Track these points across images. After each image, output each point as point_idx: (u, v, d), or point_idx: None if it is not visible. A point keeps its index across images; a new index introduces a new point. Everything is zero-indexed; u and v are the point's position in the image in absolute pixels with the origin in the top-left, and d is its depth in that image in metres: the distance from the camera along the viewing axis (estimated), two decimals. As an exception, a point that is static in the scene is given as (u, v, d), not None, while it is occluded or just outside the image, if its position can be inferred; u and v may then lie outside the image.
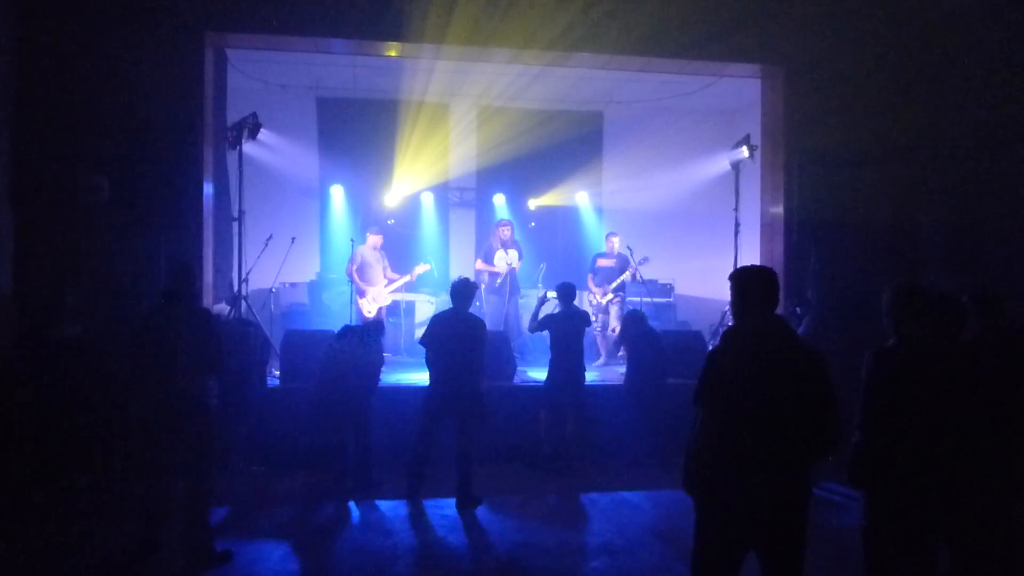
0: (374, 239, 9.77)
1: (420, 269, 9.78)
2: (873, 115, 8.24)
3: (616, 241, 10.18)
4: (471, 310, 6.61)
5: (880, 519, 3.64)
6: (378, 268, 9.68)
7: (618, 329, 9.37)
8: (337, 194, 11.25)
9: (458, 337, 6.34)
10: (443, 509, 6.16)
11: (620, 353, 9.40)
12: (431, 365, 6.43)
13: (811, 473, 3.24)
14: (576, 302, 7.62)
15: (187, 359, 4.74)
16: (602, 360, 9.87)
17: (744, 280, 3.32)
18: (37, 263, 6.92)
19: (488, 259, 10.01)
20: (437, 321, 6.55)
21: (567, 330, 7.22)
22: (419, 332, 10.67)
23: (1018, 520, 4.25)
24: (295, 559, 5.12)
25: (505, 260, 9.87)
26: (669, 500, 6.33)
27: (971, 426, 3.56)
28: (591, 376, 8.86)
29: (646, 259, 9.72)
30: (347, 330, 6.73)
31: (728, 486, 3.14)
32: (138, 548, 4.86)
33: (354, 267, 9.48)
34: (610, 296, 9.88)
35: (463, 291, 6.49)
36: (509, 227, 10.05)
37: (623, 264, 9.95)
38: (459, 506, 6.17)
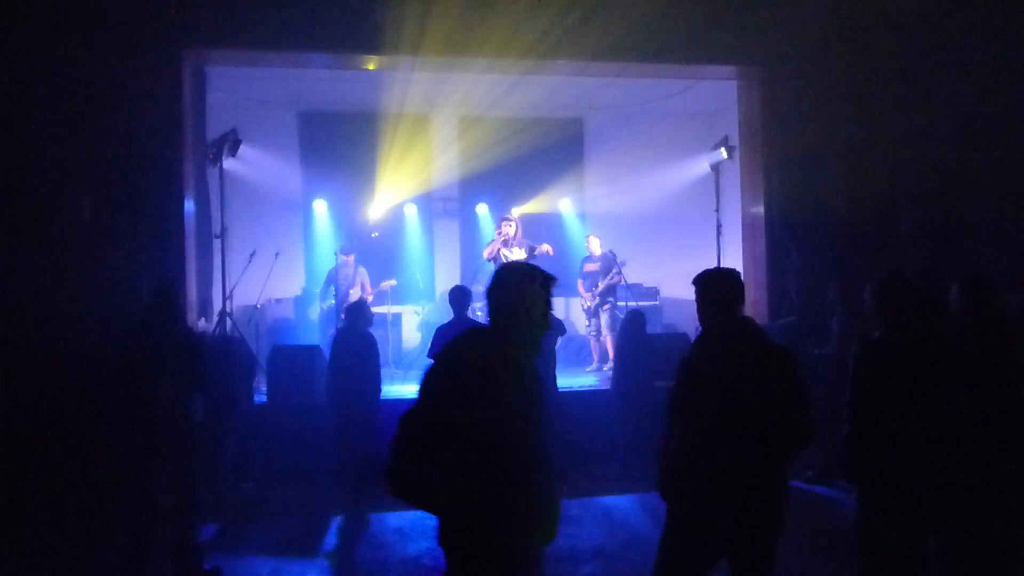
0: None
1: (385, 285, 10.04)
2: (850, 113, 8.33)
3: (596, 242, 10.00)
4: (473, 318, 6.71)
5: (872, 512, 3.65)
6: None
7: (609, 337, 9.40)
8: (320, 208, 11.23)
9: None
10: (434, 519, 6.12)
11: (610, 362, 9.42)
12: None
13: (784, 471, 3.23)
14: (561, 310, 7.62)
15: (170, 377, 4.71)
16: (594, 365, 9.83)
17: (708, 283, 3.30)
18: (17, 281, 6.86)
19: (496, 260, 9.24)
20: (441, 333, 6.64)
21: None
22: (406, 343, 10.83)
23: (1006, 511, 4.29)
24: (283, 574, 5.09)
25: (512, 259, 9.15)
26: (659, 503, 6.30)
27: (958, 415, 3.58)
28: (586, 381, 8.88)
29: (623, 262, 9.66)
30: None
31: (704, 492, 3.13)
32: (126, 567, 4.82)
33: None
34: (597, 300, 9.76)
35: (460, 298, 6.76)
36: (513, 224, 9.19)
37: (608, 266, 9.79)
38: None
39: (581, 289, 10.07)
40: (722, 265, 7.12)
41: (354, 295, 9.42)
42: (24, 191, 6.98)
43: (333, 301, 9.40)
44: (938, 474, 3.54)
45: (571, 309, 10.96)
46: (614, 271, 9.68)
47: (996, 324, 4.36)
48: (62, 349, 6.63)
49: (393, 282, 10.14)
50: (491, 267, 9.13)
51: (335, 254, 9.67)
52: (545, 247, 9.10)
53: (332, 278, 9.54)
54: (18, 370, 6.55)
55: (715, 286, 3.29)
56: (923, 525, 3.60)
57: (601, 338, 9.78)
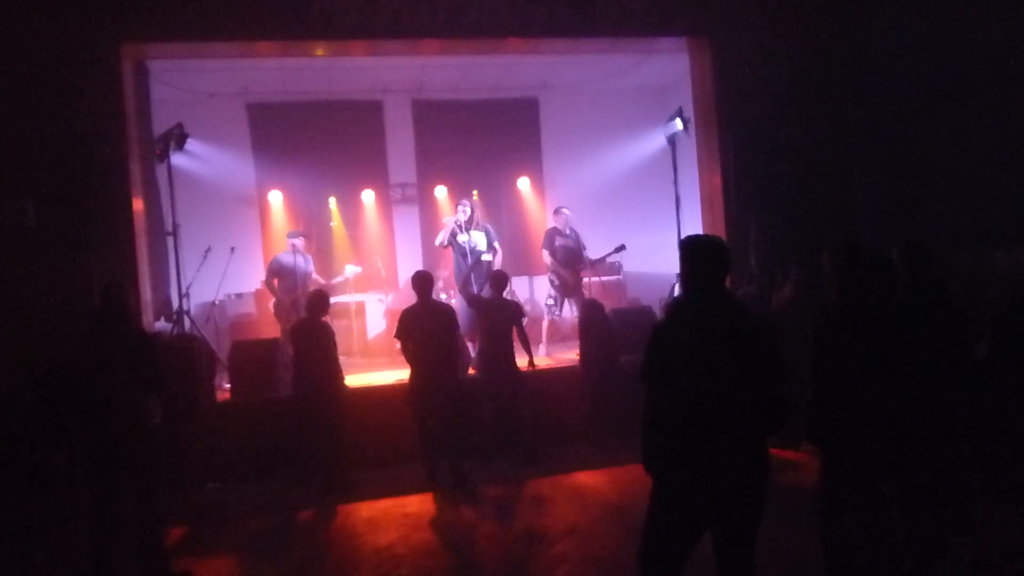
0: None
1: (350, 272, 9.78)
2: (800, 82, 8.35)
3: (567, 214, 9.47)
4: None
5: (835, 476, 3.70)
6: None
7: (574, 312, 9.26)
8: (276, 200, 11.05)
9: (430, 327, 6.58)
10: (406, 507, 6.10)
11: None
12: (410, 357, 6.66)
13: (766, 443, 3.20)
14: (507, 291, 7.59)
15: (124, 380, 4.60)
16: (543, 342, 9.62)
17: (692, 249, 3.20)
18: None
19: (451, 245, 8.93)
20: (407, 314, 6.72)
21: (497, 318, 7.20)
22: (371, 332, 10.74)
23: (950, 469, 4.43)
24: (254, 573, 5.02)
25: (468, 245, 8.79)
26: (630, 478, 6.35)
27: (908, 379, 3.64)
28: (542, 361, 8.76)
29: (623, 247, 9.06)
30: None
31: (685, 462, 3.08)
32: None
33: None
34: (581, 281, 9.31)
35: (422, 282, 6.76)
36: (468, 207, 8.83)
37: (579, 240, 9.39)
38: (451, 488, 6.42)
39: (558, 264, 9.32)
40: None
41: (312, 282, 9.27)
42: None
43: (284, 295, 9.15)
44: (897, 436, 3.60)
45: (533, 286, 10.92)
46: (586, 255, 9.34)
47: (938, 289, 4.47)
48: (12, 357, 6.46)
49: (358, 269, 9.95)
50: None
51: (289, 240, 9.37)
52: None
53: (280, 267, 9.12)
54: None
55: (698, 252, 3.19)
56: (887, 490, 3.67)
57: (558, 316, 9.50)
